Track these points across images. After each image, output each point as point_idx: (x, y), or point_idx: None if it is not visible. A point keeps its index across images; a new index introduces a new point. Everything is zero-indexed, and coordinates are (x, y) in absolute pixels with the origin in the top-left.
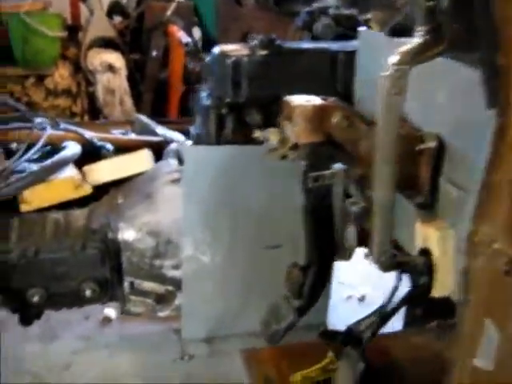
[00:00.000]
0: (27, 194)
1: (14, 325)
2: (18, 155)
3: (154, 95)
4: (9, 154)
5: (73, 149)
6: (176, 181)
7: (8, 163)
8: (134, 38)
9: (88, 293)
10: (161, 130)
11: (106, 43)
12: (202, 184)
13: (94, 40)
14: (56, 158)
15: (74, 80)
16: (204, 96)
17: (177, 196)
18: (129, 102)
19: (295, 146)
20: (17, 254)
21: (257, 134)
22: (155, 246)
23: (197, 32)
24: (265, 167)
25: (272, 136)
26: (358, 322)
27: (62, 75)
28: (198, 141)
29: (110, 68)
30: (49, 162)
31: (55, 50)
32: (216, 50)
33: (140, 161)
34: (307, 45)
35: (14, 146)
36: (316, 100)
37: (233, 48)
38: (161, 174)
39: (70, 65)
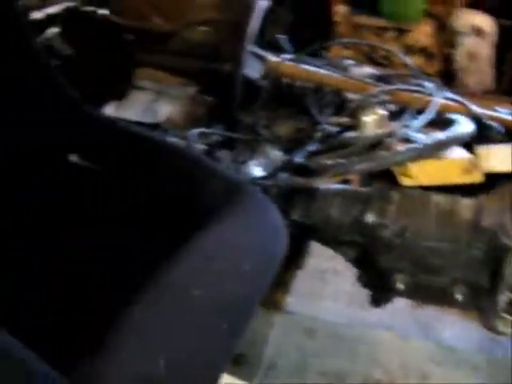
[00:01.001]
0: (413, 167)
1: None
2: (404, 121)
3: None
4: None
5: (467, 126)
6: None
7: (394, 128)
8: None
9: (458, 296)
10: None
11: (476, 3)
12: None
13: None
14: (451, 133)
15: (434, 39)
16: None
17: None
18: (490, 72)
19: None
20: (393, 232)
21: None
22: None
23: None
24: None
25: None
26: None
27: (423, 32)
28: None
29: (477, 31)
30: (443, 136)
31: (422, 5)
32: None
33: None
34: None
35: (392, 107)
36: None
37: None
38: None
39: (433, 22)
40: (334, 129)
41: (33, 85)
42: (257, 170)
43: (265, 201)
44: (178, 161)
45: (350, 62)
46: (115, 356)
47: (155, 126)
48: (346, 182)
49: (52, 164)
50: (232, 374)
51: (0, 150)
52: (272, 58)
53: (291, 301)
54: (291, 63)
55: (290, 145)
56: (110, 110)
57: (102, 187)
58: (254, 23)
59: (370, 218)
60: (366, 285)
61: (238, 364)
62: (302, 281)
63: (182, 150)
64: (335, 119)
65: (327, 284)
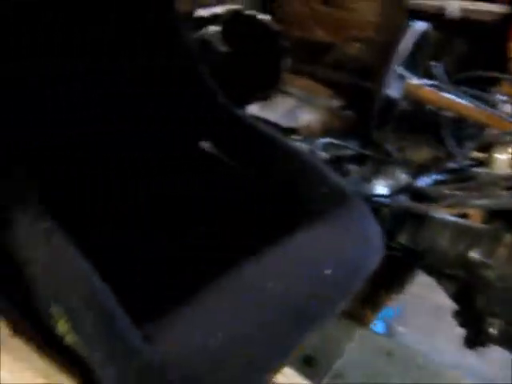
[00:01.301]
0: None
1: None
2: None
3: None
4: None
5: None
6: None
7: None
8: None
9: None
10: None
11: None
12: None
13: None
14: None
15: None
16: None
17: None
18: None
19: None
20: (496, 274)
21: None
22: None
23: None
24: None
25: None
26: None
27: None
28: None
29: None
30: None
31: None
32: None
33: None
34: None
35: None
36: None
37: None
38: None
39: None
40: (467, 162)
41: (177, 80)
42: (380, 189)
43: (368, 215)
44: (297, 164)
45: (503, 97)
46: (180, 321)
47: (292, 131)
48: (464, 216)
49: (184, 150)
50: (298, 371)
51: (136, 135)
52: (412, 81)
53: (402, 331)
54: (431, 89)
55: (419, 170)
56: (254, 108)
57: (225, 177)
58: (405, 45)
59: (475, 254)
60: (461, 323)
61: (307, 364)
62: (414, 312)
63: (305, 155)
64: (471, 153)
65: (439, 320)
